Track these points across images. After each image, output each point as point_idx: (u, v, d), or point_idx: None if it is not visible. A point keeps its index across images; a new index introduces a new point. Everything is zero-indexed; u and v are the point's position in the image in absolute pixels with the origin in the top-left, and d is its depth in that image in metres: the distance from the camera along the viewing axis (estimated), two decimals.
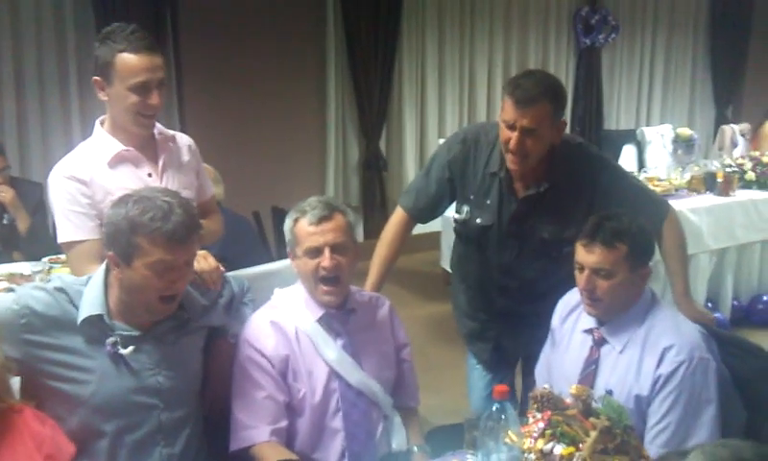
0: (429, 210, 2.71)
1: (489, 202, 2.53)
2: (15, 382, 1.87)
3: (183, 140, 2.43)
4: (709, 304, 4.87)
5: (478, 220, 2.56)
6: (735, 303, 5.03)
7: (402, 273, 5.97)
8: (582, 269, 2.13)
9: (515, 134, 2.33)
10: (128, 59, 2.19)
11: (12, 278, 3.26)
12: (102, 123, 2.31)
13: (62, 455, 1.75)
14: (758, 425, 2.19)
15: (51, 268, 3.32)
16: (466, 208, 2.59)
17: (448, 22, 7.06)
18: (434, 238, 5.94)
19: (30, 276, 3.25)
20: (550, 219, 2.49)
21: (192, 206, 1.98)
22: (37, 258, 3.43)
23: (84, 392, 1.88)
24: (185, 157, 2.41)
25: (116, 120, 2.28)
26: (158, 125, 2.37)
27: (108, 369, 1.91)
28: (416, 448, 2.25)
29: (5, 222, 3.90)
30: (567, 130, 7.94)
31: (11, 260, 3.71)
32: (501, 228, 2.53)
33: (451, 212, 2.71)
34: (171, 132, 2.41)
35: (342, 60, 6.57)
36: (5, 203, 3.85)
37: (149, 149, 2.33)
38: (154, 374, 1.96)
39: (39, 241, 3.72)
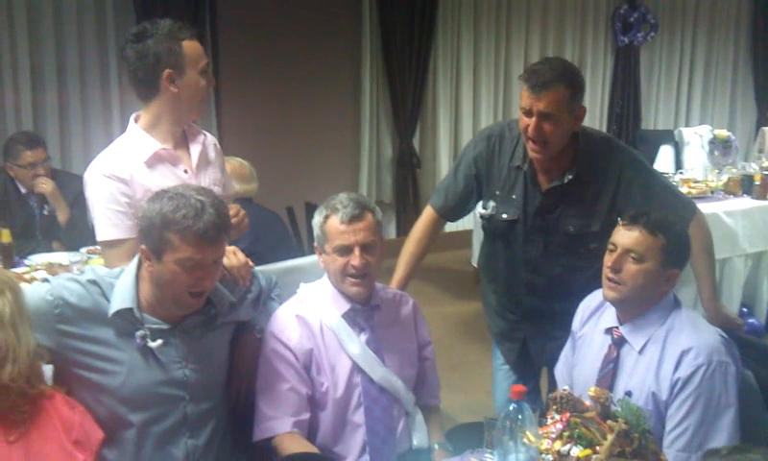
0: (458, 208, 2.73)
1: (514, 196, 2.55)
2: (48, 369, 1.94)
3: (209, 138, 2.47)
4: (744, 309, 4.81)
5: (504, 215, 2.58)
6: None
7: (433, 270, 5.99)
8: (614, 249, 2.13)
9: (532, 120, 2.35)
10: (193, 45, 2.26)
11: (50, 267, 3.35)
12: (136, 120, 2.33)
13: (90, 442, 1.81)
14: None
15: (89, 258, 3.41)
16: (491, 204, 2.61)
17: (484, 20, 7.04)
18: (466, 236, 5.95)
19: (68, 266, 3.33)
20: (575, 212, 2.49)
21: (224, 206, 2.01)
22: (76, 249, 3.52)
23: (114, 382, 1.94)
24: (212, 154, 2.45)
25: (171, 113, 2.28)
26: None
27: (137, 361, 1.96)
28: (437, 446, 2.28)
29: (45, 213, 4.00)
30: (604, 129, 7.83)
31: (50, 250, 3.81)
32: (527, 222, 2.54)
33: (479, 209, 2.73)
34: (198, 128, 2.45)
35: (377, 58, 6.59)
36: (45, 194, 3.95)
37: (182, 146, 2.37)
38: (181, 367, 2.01)
39: (78, 232, 3.80)
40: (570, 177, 2.47)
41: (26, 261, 3.53)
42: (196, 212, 1.89)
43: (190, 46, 2.26)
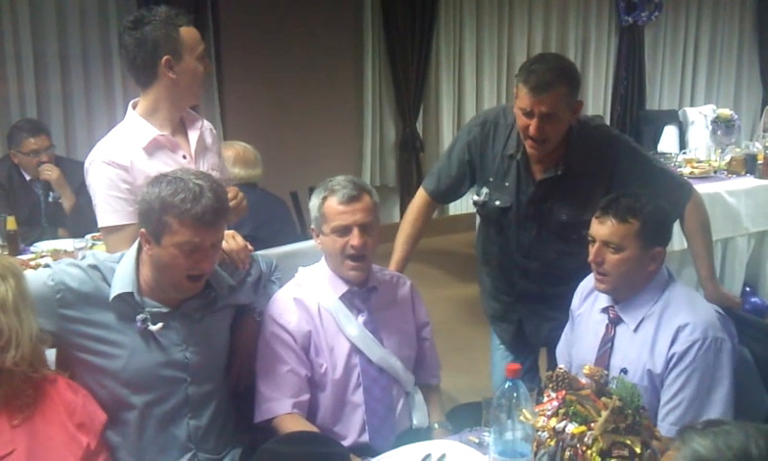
0: (451, 192, 2.75)
1: (507, 184, 2.56)
2: (51, 354, 1.97)
3: (206, 124, 2.48)
4: (747, 288, 4.81)
5: (497, 202, 2.59)
6: None
7: (437, 253, 6.00)
8: (593, 241, 2.16)
9: (533, 121, 2.34)
10: (190, 31, 2.28)
11: (56, 253, 3.38)
12: (134, 106, 2.34)
13: (94, 424, 1.84)
14: None
15: (93, 245, 3.43)
16: (485, 191, 2.61)
17: (487, 2, 7.00)
18: (470, 219, 5.94)
19: (73, 252, 3.36)
20: (568, 201, 2.50)
21: (222, 191, 2.03)
22: (81, 236, 3.55)
23: (115, 365, 1.97)
24: (209, 139, 2.46)
25: (169, 99, 2.29)
26: None
27: (138, 344, 1.99)
28: (436, 425, 2.30)
29: (50, 200, 4.04)
30: (608, 109, 7.74)
31: (56, 237, 3.84)
32: (520, 209, 2.56)
33: (473, 195, 2.73)
34: (195, 114, 2.46)
35: (379, 42, 6.59)
36: (51, 181, 3.98)
37: (180, 132, 2.39)
38: (181, 349, 2.03)
39: (84, 219, 3.81)
40: (564, 168, 2.47)
41: (31, 248, 3.56)
42: (194, 196, 1.91)
43: (187, 32, 2.28)
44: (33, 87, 5.22)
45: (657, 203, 2.16)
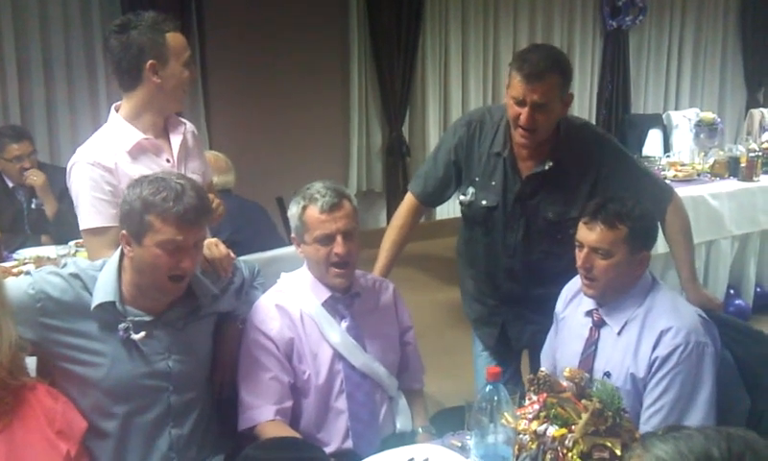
0: (438, 195, 2.74)
1: (494, 183, 2.55)
2: (32, 361, 1.96)
3: (188, 126, 2.47)
4: (731, 291, 4.83)
5: (483, 201, 2.58)
6: (758, 289, 4.97)
7: (423, 257, 6.00)
8: (581, 247, 2.16)
9: (525, 110, 2.34)
10: (177, 37, 2.29)
11: (39, 260, 3.36)
12: (117, 109, 2.33)
13: (74, 431, 1.82)
14: (761, 412, 2.20)
15: (77, 251, 3.41)
16: (471, 190, 2.61)
17: (472, 6, 7.04)
18: (455, 224, 5.89)
19: (56, 259, 3.34)
20: (554, 199, 2.50)
21: (203, 191, 2.04)
22: (64, 242, 3.53)
23: (97, 375, 1.95)
24: (191, 142, 2.46)
25: (153, 104, 2.29)
26: None
27: (120, 353, 1.97)
28: (420, 430, 2.30)
29: (33, 207, 4.01)
30: (593, 113, 7.79)
31: (39, 244, 3.81)
32: (506, 208, 2.55)
33: (459, 195, 2.74)
34: (178, 118, 2.45)
35: (365, 46, 6.60)
36: (36, 187, 3.95)
37: (163, 136, 2.38)
38: (164, 358, 2.02)
39: (67, 225, 3.80)
40: (551, 164, 2.47)
41: (14, 255, 3.53)
42: (176, 195, 1.91)
43: (174, 38, 2.28)
44: (16, 93, 5.19)
45: (643, 207, 2.17)
